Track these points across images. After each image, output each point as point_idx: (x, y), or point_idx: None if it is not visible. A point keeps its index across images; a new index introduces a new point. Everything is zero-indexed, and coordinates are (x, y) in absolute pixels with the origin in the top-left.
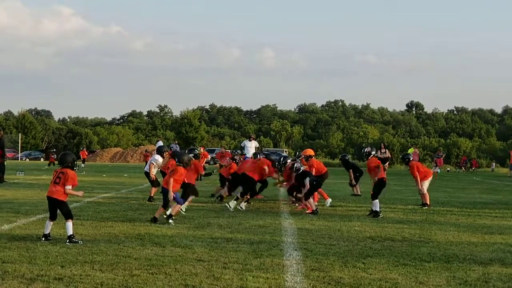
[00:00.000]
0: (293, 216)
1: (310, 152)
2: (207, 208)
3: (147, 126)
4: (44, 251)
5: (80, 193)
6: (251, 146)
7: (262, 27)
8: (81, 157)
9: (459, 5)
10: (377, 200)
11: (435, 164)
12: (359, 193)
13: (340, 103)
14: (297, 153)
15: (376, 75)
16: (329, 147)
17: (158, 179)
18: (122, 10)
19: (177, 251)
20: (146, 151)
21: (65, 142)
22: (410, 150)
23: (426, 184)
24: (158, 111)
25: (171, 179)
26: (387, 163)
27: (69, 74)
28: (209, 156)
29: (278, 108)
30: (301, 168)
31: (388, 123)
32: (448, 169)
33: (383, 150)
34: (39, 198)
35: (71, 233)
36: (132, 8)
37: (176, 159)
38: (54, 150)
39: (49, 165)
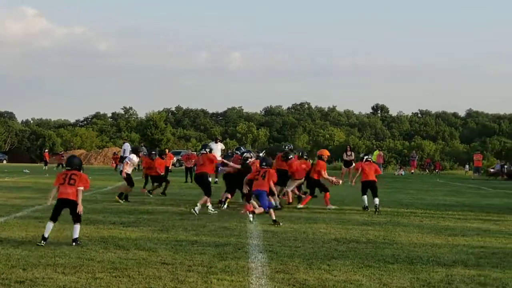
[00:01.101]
0: (258, 218)
1: (325, 153)
2: (172, 210)
3: (111, 128)
4: (5, 254)
5: (80, 206)
6: (217, 148)
7: (229, 29)
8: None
9: (430, 6)
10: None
11: (399, 167)
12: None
13: (306, 105)
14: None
15: (342, 77)
16: (296, 149)
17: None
18: (87, 11)
19: (141, 254)
20: (115, 153)
21: (28, 144)
22: (375, 153)
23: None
24: (123, 113)
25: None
26: (352, 166)
27: (33, 75)
28: (174, 158)
29: (244, 111)
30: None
31: (354, 126)
32: (412, 171)
33: (348, 153)
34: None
35: (77, 236)
36: (98, 8)
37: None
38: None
39: (58, 166)
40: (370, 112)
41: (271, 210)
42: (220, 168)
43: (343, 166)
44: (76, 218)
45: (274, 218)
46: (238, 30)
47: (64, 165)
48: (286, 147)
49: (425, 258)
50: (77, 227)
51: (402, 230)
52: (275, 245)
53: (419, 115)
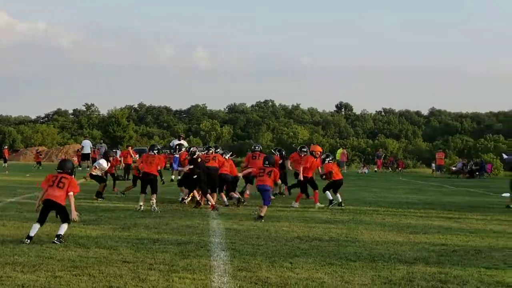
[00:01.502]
0: (221, 216)
1: (317, 149)
2: (134, 208)
3: (72, 125)
4: None
5: (74, 213)
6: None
7: (195, 25)
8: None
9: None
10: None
11: (362, 165)
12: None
13: (270, 103)
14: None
15: (307, 76)
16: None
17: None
18: (50, 6)
19: (101, 253)
20: (78, 150)
21: None
22: (339, 151)
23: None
24: (85, 109)
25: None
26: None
27: None
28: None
29: (208, 108)
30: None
31: (318, 124)
32: (376, 169)
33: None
34: None
35: (62, 233)
36: (60, 3)
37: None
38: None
39: (38, 165)
40: (334, 110)
41: (265, 207)
42: (175, 167)
43: None
44: (64, 219)
45: (262, 214)
46: (204, 27)
47: (56, 168)
48: (256, 147)
49: (386, 256)
50: (65, 225)
51: (365, 228)
52: (237, 243)
53: (383, 113)
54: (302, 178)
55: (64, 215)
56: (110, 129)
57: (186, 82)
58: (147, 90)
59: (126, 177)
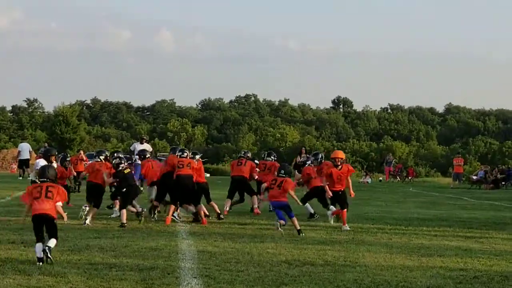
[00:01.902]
0: (192, 236)
1: (340, 155)
2: (86, 226)
3: (11, 124)
4: None
5: (65, 217)
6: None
7: (158, 3)
8: None
9: None
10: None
11: (364, 174)
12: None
13: (253, 98)
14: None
15: (296, 64)
16: (239, 152)
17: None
18: None
19: (46, 280)
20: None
21: None
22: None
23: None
24: (26, 106)
25: None
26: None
27: None
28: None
29: (176, 104)
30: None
31: (311, 123)
32: (380, 178)
33: (303, 156)
34: None
35: (51, 246)
36: None
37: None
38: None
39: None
40: (330, 107)
41: (294, 219)
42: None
43: (296, 172)
44: (54, 233)
45: (298, 228)
46: (169, 3)
47: (37, 177)
48: (244, 153)
49: (393, 284)
50: (54, 241)
51: (367, 250)
52: (212, 269)
53: (389, 110)
54: (330, 194)
55: (54, 230)
56: (57, 130)
57: (150, 72)
58: (102, 82)
59: (78, 188)
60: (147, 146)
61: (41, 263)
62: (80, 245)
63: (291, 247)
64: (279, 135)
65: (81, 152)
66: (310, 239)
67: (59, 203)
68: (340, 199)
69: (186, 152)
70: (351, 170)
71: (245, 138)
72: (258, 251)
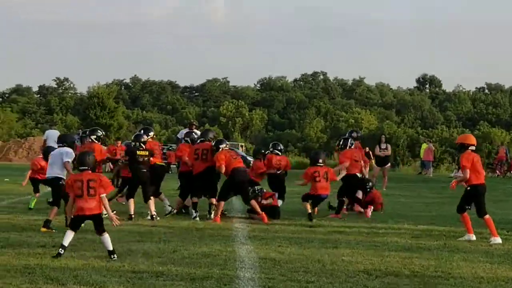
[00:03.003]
0: (252, 240)
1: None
2: (129, 227)
3: (38, 108)
4: None
5: (112, 217)
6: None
7: None
8: None
9: None
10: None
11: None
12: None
13: (322, 76)
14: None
15: (374, 37)
16: (305, 141)
17: None
18: None
19: None
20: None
21: None
22: (423, 146)
23: None
24: (55, 86)
25: None
26: (388, 164)
27: None
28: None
29: (230, 84)
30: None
31: (391, 107)
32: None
33: (383, 145)
34: None
35: (111, 248)
36: None
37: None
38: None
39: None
40: (414, 87)
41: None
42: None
43: (375, 165)
44: (102, 229)
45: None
46: None
47: (77, 165)
48: (354, 133)
49: None
50: (107, 237)
51: (462, 259)
52: (277, 279)
53: (487, 91)
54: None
55: (101, 225)
56: (91, 114)
57: (199, 46)
58: (143, 58)
59: (117, 182)
60: (196, 134)
61: (62, 250)
62: (122, 249)
63: (371, 254)
64: (353, 121)
65: (118, 142)
66: (393, 244)
67: (104, 195)
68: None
69: (224, 143)
70: None
71: (312, 124)
72: (331, 258)
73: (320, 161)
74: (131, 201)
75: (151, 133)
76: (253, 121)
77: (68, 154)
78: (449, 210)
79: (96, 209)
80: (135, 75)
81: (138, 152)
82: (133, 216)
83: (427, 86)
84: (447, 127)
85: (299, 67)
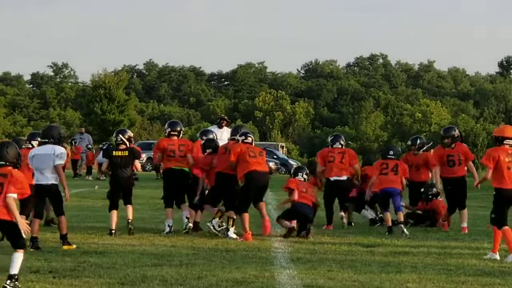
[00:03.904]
0: (295, 263)
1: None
2: (141, 248)
3: (31, 101)
4: None
5: (22, 225)
6: (221, 137)
7: None
8: None
9: None
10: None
11: None
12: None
13: (381, 60)
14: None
15: (446, 11)
16: (361, 139)
17: None
18: None
19: None
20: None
21: None
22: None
23: None
24: (52, 74)
25: None
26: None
27: None
28: (144, 155)
29: (268, 70)
30: None
31: (467, 97)
32: None
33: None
34: None
35: (15, 273)
36: None
37: None
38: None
39: None
40: (496, 73)
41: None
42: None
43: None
44: (16, 242)
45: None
46: None
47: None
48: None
49: None
50: (18, 256)
51: None
52: None
53: None
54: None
55: (16, 237)
56: (96, 109)
57: (227, 23)
58: (159, 39)
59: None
60: (228, 132)
61: None
62: (134, 275)
63: (442, 280)
64: (420, 115)
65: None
66: (470, 268)
67: (13, 195)
68: None
69: (250, 136)
70: None
71: (370, 119)
72: (394, 285)
73: (391, 153)
74: (113, 212)
75: (128, 133)
76: (296, 115)
77: (62, 155)
78: None
79: (4, 214)
80: (150, 60)
81: (114, 153)
82: (113, 231)
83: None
84: None
85: (353, 49)
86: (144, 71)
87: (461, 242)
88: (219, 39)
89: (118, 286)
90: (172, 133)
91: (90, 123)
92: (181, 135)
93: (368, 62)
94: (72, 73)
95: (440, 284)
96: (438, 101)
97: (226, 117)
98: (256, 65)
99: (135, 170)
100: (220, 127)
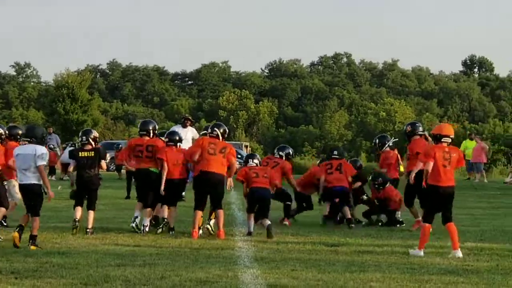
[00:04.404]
0: (259, 263)
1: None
2: (105, 247)
3: None
4: None
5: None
6: (186, 137)
7: None
8: None
9: None
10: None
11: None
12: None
13: (345, 59)
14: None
15: (410, 10)
16: (325, 138)
17: None
18: None
19: None
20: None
21: None
22: (469, 144)
23: None
24: (14, 73)
25: None
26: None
27: None
28: (108, 155)
29: (232, 69)
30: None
31: (431, 96)
32: None
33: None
34: None
35: None
36: None
37: None
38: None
39: None
40: (460, 72)
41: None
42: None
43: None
44: None
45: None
46: None
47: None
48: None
49: None
50: None
51: None
52: None
53: None
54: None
55: None
56: (59, 109)
57: (193, 22)
58: (123, 38)
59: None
60: (192, 131)
61: None
62: (96, 276)
63: (406, 278)
64: (384, 114)
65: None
66: (433, 267)
67: None
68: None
69: (216, 129)
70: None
71: (334, 118)
72: (357, 285)
73: (335, 153)
74: (78, 208)
75: (93, 133)
76: (260, 115)
77: (44, 155)
78: (502, 224)
79: None
80: (113, 60)
81: (80, 153)
82: (77, 221)
83: (476, 70)
84: (501, 121)
85: (317, 48)
86: (108, 71)
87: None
88: (183, 39)
89: (81, 286)
90: (141, 132)
91: (53, 123)
92: (152, 134)
93: (332, 61)
94: (34, 72)
95: (404, 283)
96: (402, 100)
97: (190, 117)
98: (220, 65)
99: (101, 169)
100: (184, 126)
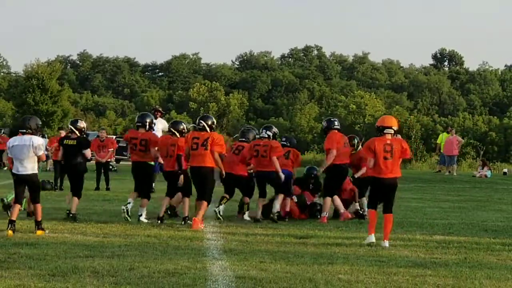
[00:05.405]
0: (228, 255)
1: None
2: (74, 238)
3: None
4: None
5: None
6: (156, 128)
7: None
8: None
9: None
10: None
11: (481, 163)
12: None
13: (316, 52)
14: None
15: (380, 3)
16: (296, 131)
17: None
18: None
19: None
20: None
21: None
22: (442, 136)
23: None
24: None
25: None
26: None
27: None
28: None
29: (202, 61)
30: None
31: (401, 89)
32: (505, 170)
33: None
34: None
35: None
36: None
37: None
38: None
39: None
40: (430, 65)
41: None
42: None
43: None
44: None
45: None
46: None
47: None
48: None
49: None
50: None
51: (487, 276)
52: None
53: None
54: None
55: None
56: (29, 99)
57: (163, 14)
58: (93, 29)
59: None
60: (162, 123)
61: None
62: (65, 267)
63: (374, 271)
64: (354, 107)
65: (62, 131)
66: (401, 259)
67: None
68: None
69: (202, 121)
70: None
71: (304, 111)
72: (325, 277)
73: (285, 140)
74: (72, 198)
75: (79, 123)
76: (231, 107)
77: (41, 146)
78: (471, 217)
79: None
80: (84, 51)
81: (65, 141)
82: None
83: (446, 64)
84: (471, 114)
85: (288, 40)
86: (78, 62)
87: (393, 233)
88: (153, 30)
89: (49, 277)
90: (138, 124)
91: (22, 113)
92: (149, 127)
93: (302, 54)
94: (4, 63)
95: (372, 275)
96: (373, 93)
97: (160, 108)
98: (191, 56)
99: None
100: (155, 118)
